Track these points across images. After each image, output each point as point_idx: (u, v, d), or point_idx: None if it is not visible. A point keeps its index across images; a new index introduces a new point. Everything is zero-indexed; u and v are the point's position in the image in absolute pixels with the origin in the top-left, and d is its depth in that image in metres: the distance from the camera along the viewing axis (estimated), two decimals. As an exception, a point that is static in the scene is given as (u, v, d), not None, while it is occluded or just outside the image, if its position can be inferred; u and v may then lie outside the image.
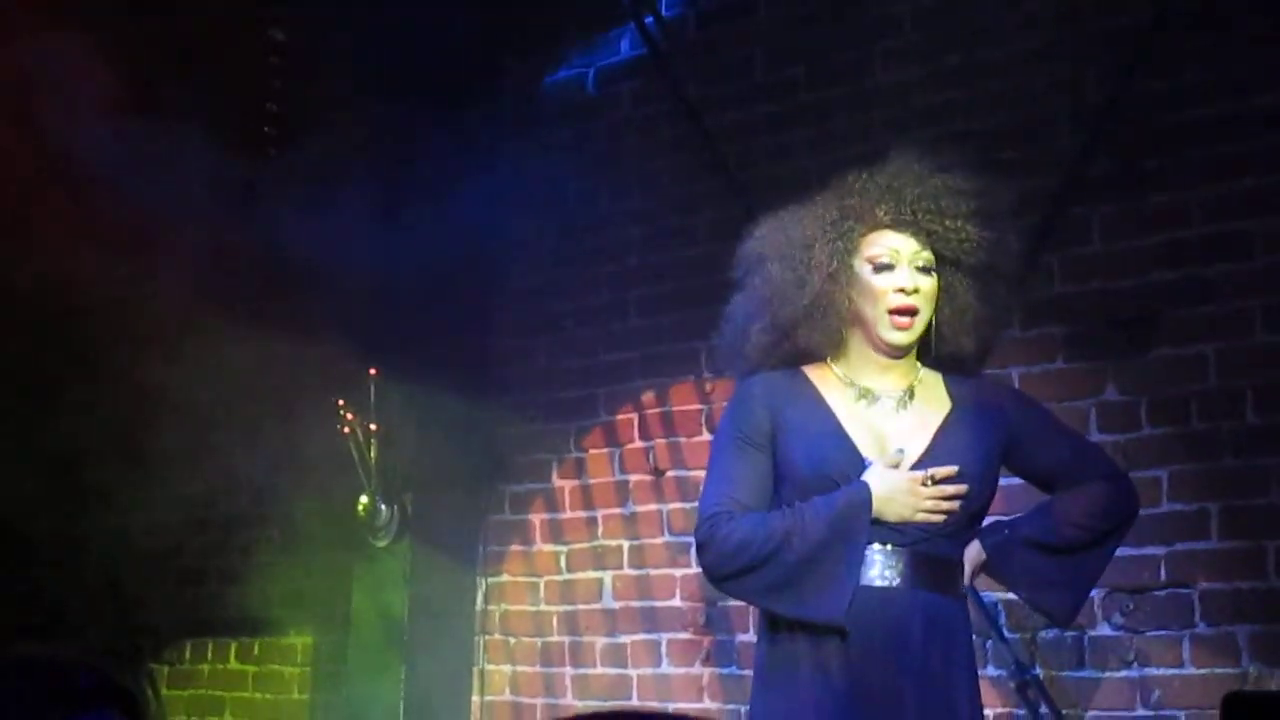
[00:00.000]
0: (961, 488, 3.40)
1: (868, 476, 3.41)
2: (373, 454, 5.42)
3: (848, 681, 3.37)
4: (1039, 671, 4.47)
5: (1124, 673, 4.38)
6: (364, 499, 5.47)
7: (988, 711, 4.48)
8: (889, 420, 3.51)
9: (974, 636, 4.45)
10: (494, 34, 5.82)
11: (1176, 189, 4.42)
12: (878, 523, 3.39)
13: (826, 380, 3.55)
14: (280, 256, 5.26)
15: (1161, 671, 4.31)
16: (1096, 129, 4.55)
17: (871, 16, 5.05)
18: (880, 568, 3.42)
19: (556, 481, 5.66)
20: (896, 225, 3.49)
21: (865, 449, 3.46)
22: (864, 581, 3.40)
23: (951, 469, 3.39)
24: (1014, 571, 3.66)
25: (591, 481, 5.56)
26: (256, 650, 6.21)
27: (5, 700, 1.69)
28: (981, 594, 4.48)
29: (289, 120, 5.68)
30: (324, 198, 5.29)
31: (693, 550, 5.12)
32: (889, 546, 3.42)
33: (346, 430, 5.40)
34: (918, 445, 3.49)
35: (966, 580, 3.60)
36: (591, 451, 5.58)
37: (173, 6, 5.30)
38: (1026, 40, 4.73)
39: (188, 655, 6.41)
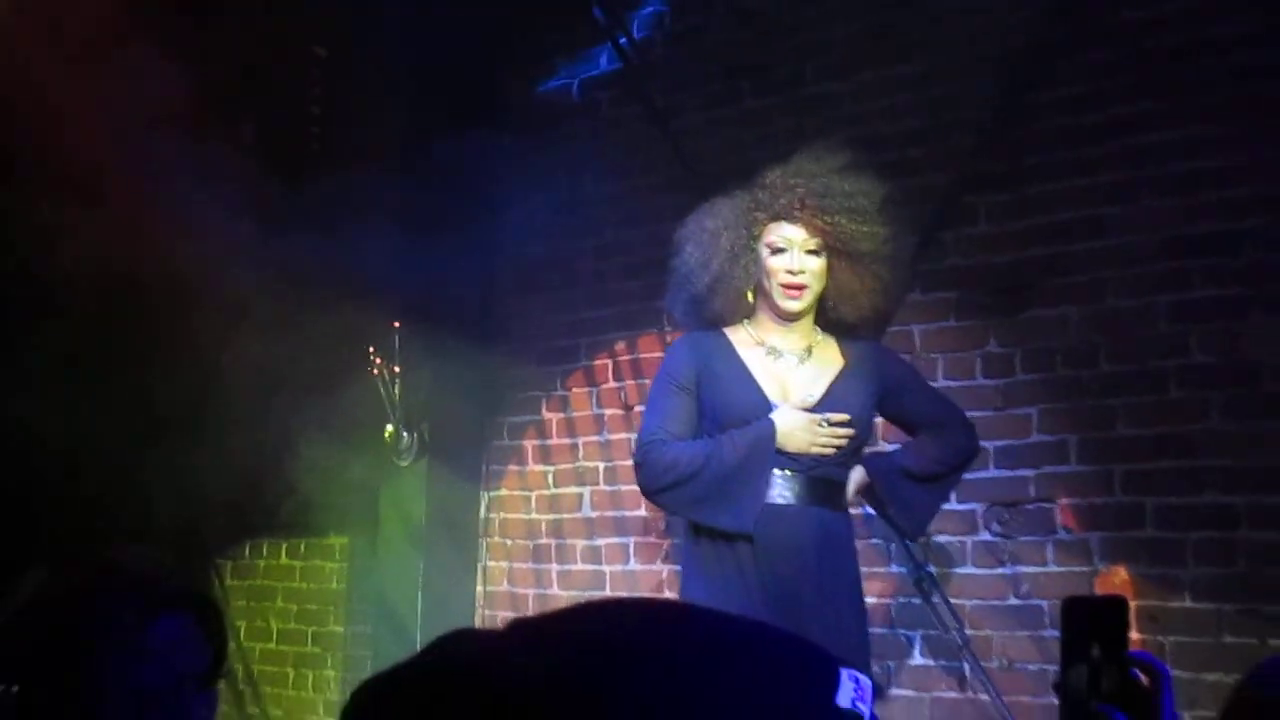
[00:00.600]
0: (849, 431, 3.57)
1: (775, 415, 3.55)
2: (397, 392, 5.44)
3: (757, 578, 3.52)
4: (933, 569, 4.54)
5: (1000, 570, 4.45)
6: (389, 428, 5.48)
7: (893, 600, 4.62)
8: (792, 372, 3.66)
9: (881, 541, 4.61)
10: (497, 51, 5.84)
11: (1047, 182, 4.46)
12: (780, 453, 3.52)
13: (741, 339, 3.69)
14: (324, 236, 5.28)
15: (1029, 569, 4.39)
16: (985, 133, 4.58)
17: (806, 39, 5.07)
18: (780, 489, 3.57)
19: (545, 414, 5.69)
20: (790, 218, 3.61)
21: (771, 394, 3.62)
22: (768, 500, 3.55)
23: (844, 416, 3.56)
24: (890, 493, 3.79)
25: (574, 414, 5.60)
26: (302, 549, 6.25)
27: (99, 601, 1.64)
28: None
29: (327, 121, 5.69)
30: (359, 187, 5.30)
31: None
32: (788, 472, 3.56)
33: (375, 372, 5.41)
34: (815, 392, 3.64)
35: (850, 497, 3.73)
36: (574, 390, 5.62)
37: (228, 25, 5.26)
38: (930, 60, 4.75)
39: (247, 553, 6.43)
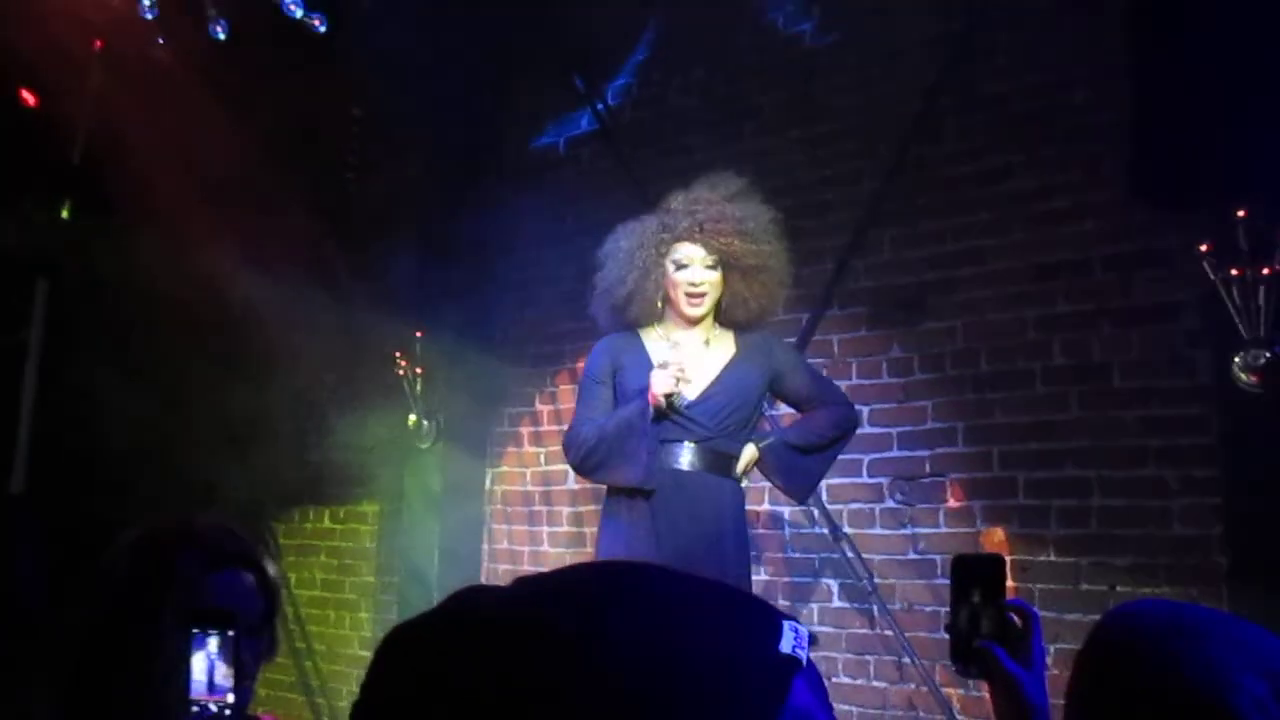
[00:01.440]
0: (680, 381, 3.48)
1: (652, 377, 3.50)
2: (418, 387, 5.40)
3: (656, 532, 3.45)
4: (848, 530, 4.51)
5: (901, 530, 4.43)
6: (412, 416, 5.44)
7: (817, 554, 4.59)
8: (691, 360, 3.57)
9: (809, 506, 4.57)
10: (499, 113, 5.81)
11: (937, 219, 4.45)
12: (673, 420, 3.50)
13: (651, 338, 3.64)
14: (360, 264, 5.27)
15: (925, 530, 4.37)
16: (887, 179, 4.56)
17: (742, 105, 5.07)
18: (684, 457, 3.51)
19: (538, 406, 5.65)
20: (691, 239, 3.56)
21: None
22: (675, 466, 3.50)
23: (680, 360, 3.48)
24: (777, 464, 3.69)
25: (561, 406, 5.53)
26: (341, 514, 6.19)
27: (168, 555, 1.65)
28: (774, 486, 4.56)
29: (362, 169, 5.65)
30: (388, 224, 5.30)
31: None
32: (690, 443, 3.50)
33: (401, 372, 5.38)
34: (710, 375, 3.58)
35: (740, 470, 3.62)
36: (561, 386, 5.56)
37: (284, 89, 5.22)
38: (843, 121, 4.74)
39: (296, 517, 6.38)
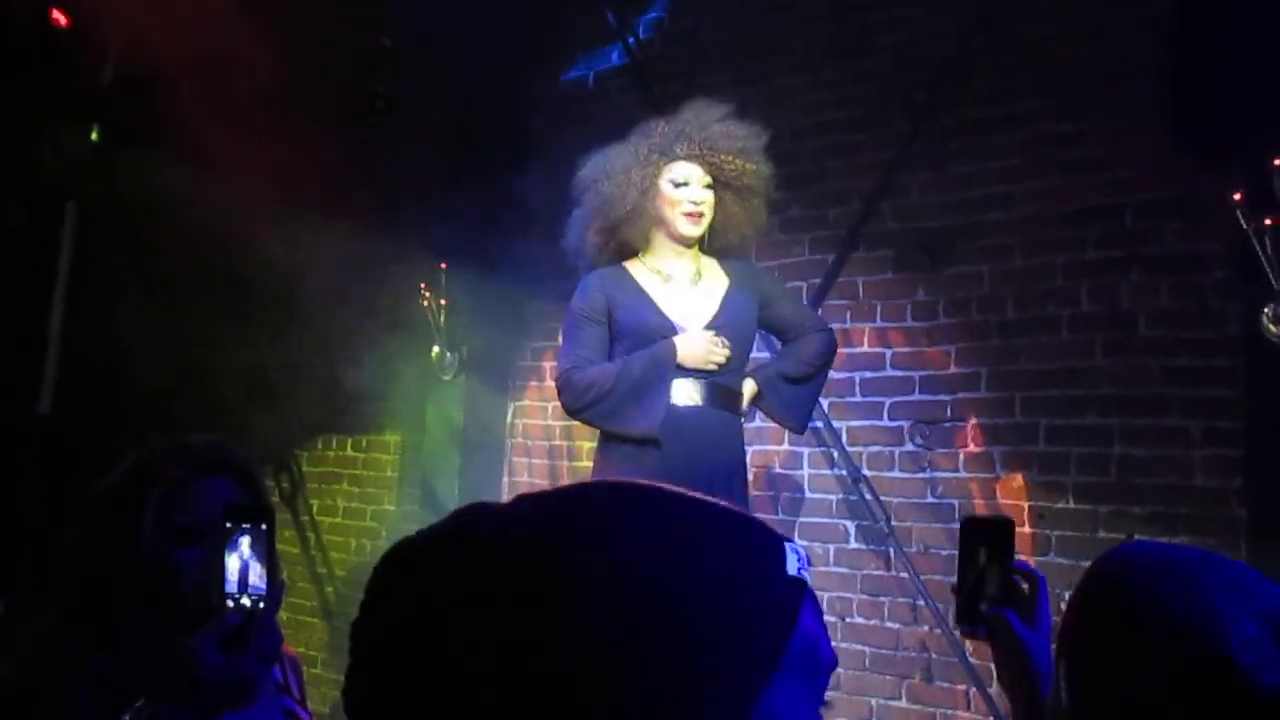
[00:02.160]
0: (728, 352, 3.48)
1: (677, 338, 3.46)
2: (442, 319, 5.39)
3: (666, 471, 3.36)
4: (867, 472, 4.51)
5: (920, 475, 4.42)
6: (435, 349, 5.44)
7: (835, 495, 4.60)
8: (686, 294, 3.56)
9: (827, 447, 4.58)
10: (530, 47, 5.75)
11: (968, 163, 4.40)
12: (681, 367, 3.44)
13: (639, 270, 3.60)
14: (388, 196, 5.27)
15: (944, 474, 4.37)
16: (918, 121, 4.51)
17: (774, 42, 5.00)
18: (687, 393, 3.48)
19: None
20: (689, 158, 3.53)
21: (672, 315, 3.53)
22: (676, 403, 3.47)
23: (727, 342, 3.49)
24: (775, 398, 3.67)
25: (584, 341, 5.56)
26: (364, 444, 6.22)
27: (153, 462, 1.71)
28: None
29: (390, 100, 5.62)
30: (416, 156, 5.28)
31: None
32: (693, 380, 3.47)
33: (426, 304, 5.37)
34: (709, 310, 3.56)
35: (745, 406, 3.61)
36: (584, 322, 5.58)
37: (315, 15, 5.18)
38: (875, 62, 4.69)
39: (320, 445, 6.42)
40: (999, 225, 4.30)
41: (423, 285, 5.38)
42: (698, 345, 3.47)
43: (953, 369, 4.38)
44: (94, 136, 4.84)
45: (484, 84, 5.53)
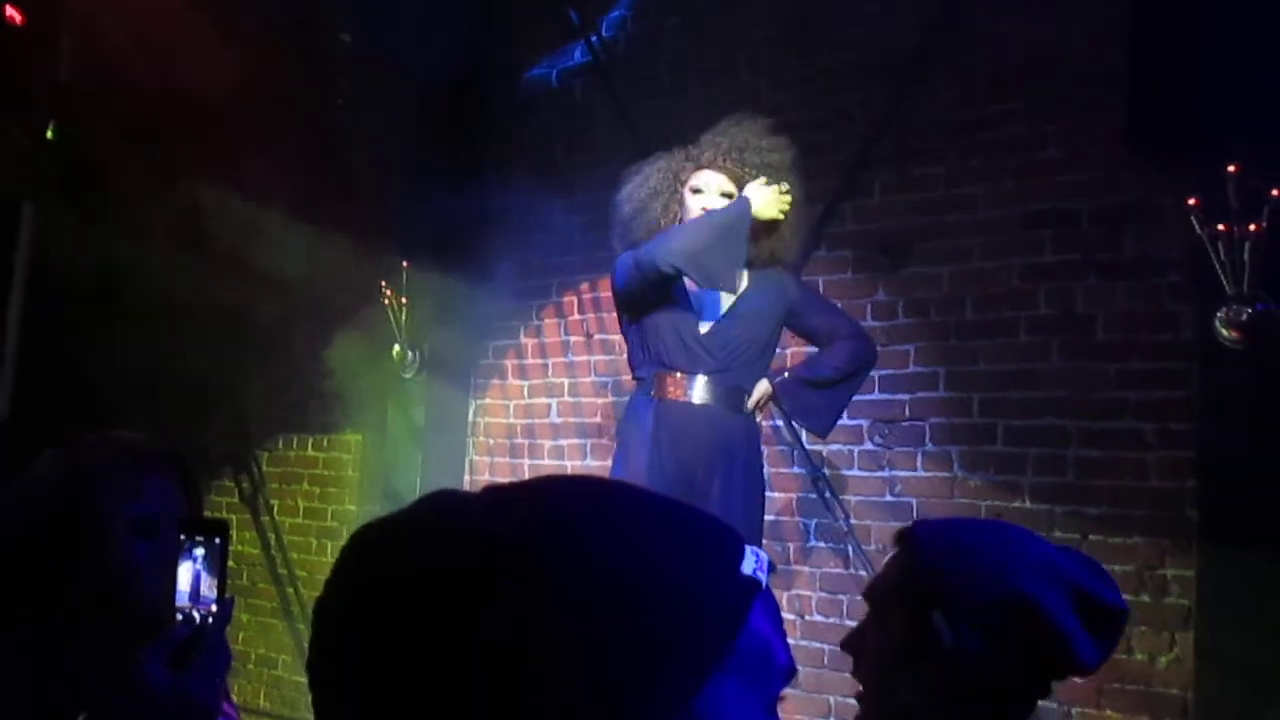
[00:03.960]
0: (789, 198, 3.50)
1: (748, 192, 3.48)
2: (404, 318, 5.38)
3: (672, 459, 3.44)
4: (826, 471, 4.55)
5: (879, 473, 4.46)
6: (397, 347, 5.44)
7: (794, 494, 4.63)
8: (706, 291, 3.56)
9: (787, 447, 4.61)
10: (493, 44, 5.72)
11: (929, 164, 4.44)
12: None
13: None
14: (348, 191, 5.25)
15: (903, 473, 4.41)
16: (880, 122, 4.55)
17: (738, 41, 5.00)
18: (698, 390, 3.49)
19: (523, 339, 5.65)
20: (710, 166, 3.55)
21: (695, 305, 3.57)
22: (686, 399, 3.49)
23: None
24: (792, 401, 3.69)
25: (546, 340, 5.55)
26: (325, 443, 6.19)
27: (99, 457, 1.68)
28: (793, 421, 4.59)
29: (351, 96, 5.60)
30: (376, 154, 5.26)
31: (610, 383, 5.24)
32: (702, 375, 3.49)
33: (387, 302, 5.36)
34: (722, 307, 3.58)
35: (752, 405, 3.59)
36: (546, 320, 5.56)
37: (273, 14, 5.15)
38: (836, 60, 4.71)
39: (280, 445, 6.38)
40: (959, 227, 4.34)
41: (383, 283, 5.37)
42: (770, 195, 3.47)
43: (912, 368, 4.41)
44: (49, 135, 4.79)
45: (445, 81, 5.50)
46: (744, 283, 3.61)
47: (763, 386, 3.62)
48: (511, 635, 0.66)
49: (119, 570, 1.62)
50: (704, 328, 3.55)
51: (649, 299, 3.54)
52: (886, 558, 1.47)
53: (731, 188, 3.55)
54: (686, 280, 3.54)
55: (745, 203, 3.45)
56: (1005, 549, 1.41)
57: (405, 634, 0.68)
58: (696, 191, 3.56)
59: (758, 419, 3.71)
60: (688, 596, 0.70)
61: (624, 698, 0.66)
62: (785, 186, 3.49)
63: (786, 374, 3.71)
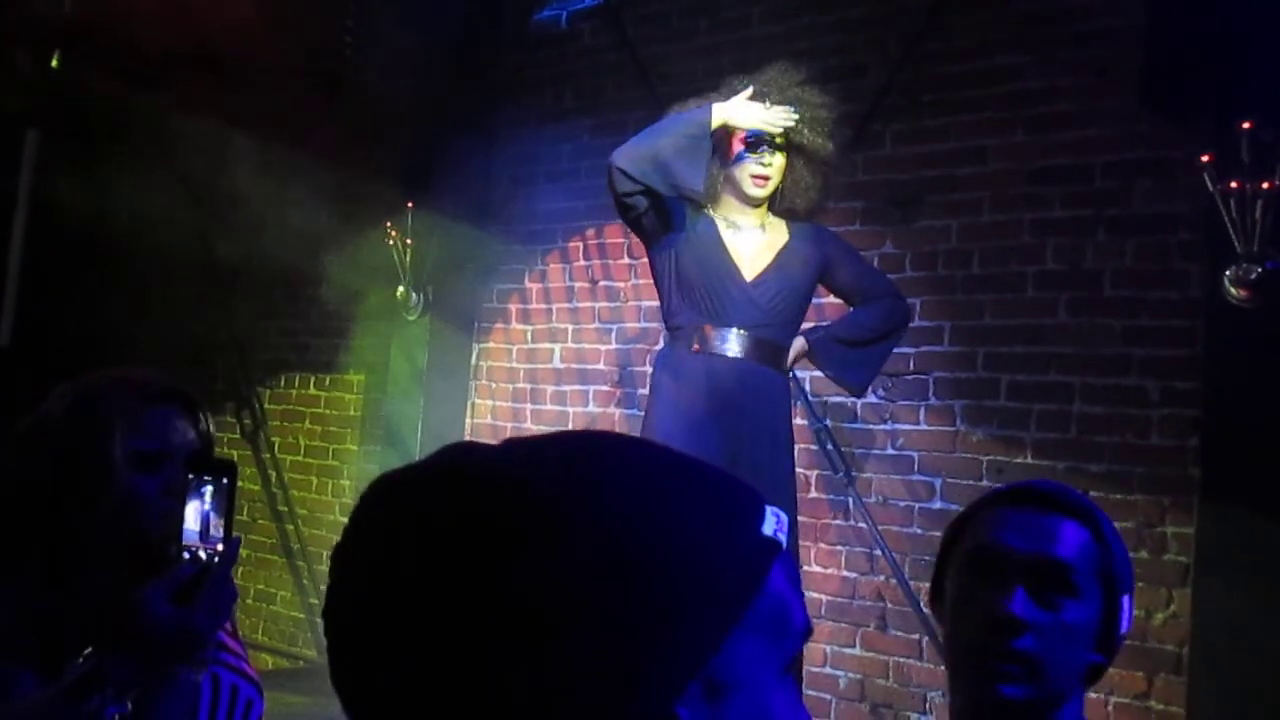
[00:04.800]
0: (791, 115, 3.42)
1: (713, 105, 3.41)
2: (408, 259, 5.38)
3: (712, 415, 3.39)
4: (828, 422, 4.55)
5: (882, 426, 4.46)
6: (401, 288, 5.44)
7: (797, 446, 4.60)
8: (748, 243, 3.51)
9: (791, 399, 4.60)
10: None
11: (941, 116, 4.40)
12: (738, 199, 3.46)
13: (713, 216, 3.55)
14: (355, 133, 5.22)
15: (906, 426, 4.41)
16: (892, 73, 4.51)
17: (752, -13, 4.97)
18: (729, 345, 3.45)
19: (527, 284, 5.63)
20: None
21: (735, 258, 3.49)
22: (719, 353, 3.44)
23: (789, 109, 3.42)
24: (827, 358, 3.66)
25: (550, 285, 5.53)
26: (327, 382, 6.20)
27: (105, 392, 1.68)
28: (796, 374, 4.59)
29: (359, 39, 5.55)
30: (384, 96, 5.22)
31: (613, 329, 5.23)
32: (741, 330, 3.44)
33: (391, 243, 5.35)
34: (765, 259, 3.51)
35: (790, 363, 3.59)
36: (551, 266, 5.54)
37: None
38: (851, 10, 4.67)
39: (282, 383, 6.40)
40: (970, 180, 4.31)
41: (388, 224, 5.36)
42: (742, 104, 3.39)
43: (918, 322, 4.35)
44: (54, 64, 4.75)
45: (455, 22, 5.46)
46: (785, 235, 3.57)
47: (799, 344, 3.58)
48: (537, 589, 0.66)
49: (120, 502, 1.62)
50: (749, 277, 3.49)
51: (645, 223, 3.48)
52: (1063, 527, 1.42)
53: (782, 141, 3.48)
54: (724, 229, 3.49)
55: (707, 109, 3.39)
56: None
57: (431, 583, 0.68)
58: (750, 146, 3.46)
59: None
60: (708, 556, 0.70)
61: (641, 656, 0.66)
62: (785, 110, 3.42)
63: (821, 331, 3.67)
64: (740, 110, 3.41)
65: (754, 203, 3.52)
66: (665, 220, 3.50)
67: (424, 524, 0.70)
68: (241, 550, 1.60)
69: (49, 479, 1.63)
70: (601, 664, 0.66)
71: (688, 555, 0.69)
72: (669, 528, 0.70)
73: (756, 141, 3.46)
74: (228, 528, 1.47)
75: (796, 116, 3.43)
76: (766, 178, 3.48)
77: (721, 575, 0.70)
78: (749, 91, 3.45)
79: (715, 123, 3.38)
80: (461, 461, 0.74)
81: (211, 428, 1.77)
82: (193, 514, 1.48)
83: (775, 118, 3.41)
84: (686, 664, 0.68)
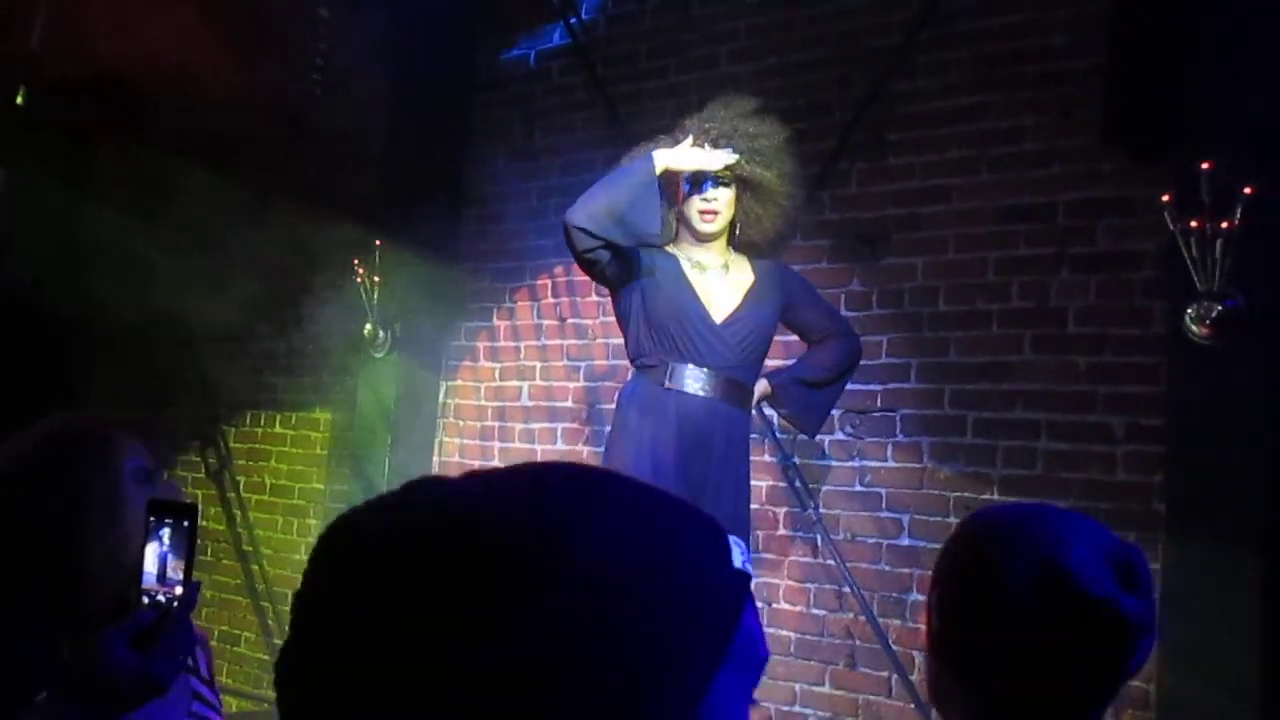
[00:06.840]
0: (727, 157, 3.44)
1: (654, 152, 3.42)
2: (375, 296, 5.35)
3: (669, 451, 3.38)
4: (796, 459, 4.54)
5: (850, 463, 4.46)
6: (368, 325, 5.41)
7: (765, 482, 4.62)
8: (715, 284, 3.51)
9: (758, 436, 4.60)
10: (470, 24, 5.73)
11: (906, 155, 4.44)
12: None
13: (677, 256, 3.55)
14: (323, 168, 5.21)
15: (873, 463, 4.41)
16: (858, 112, 4.54)
17: (719, 29, 5.00)
18: (700, 384, 3.43)
19: (495, 321, 5.61)
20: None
21: (703, 298, 3.49)
22: (689, 391, 3.42)
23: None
24: (789, 400, 3.68)
25: (518, 323, 5.52)
26: (294, 421, 6.16)
27: (83, 421, 1.68)
28: (764, 410, 4.59)
29: (328, 73, 5.55)
30: (352, 130, 5.24)
31: (582, 367, 5.23)
32: (708, 369, 3.43)
33: (359, 280, 5.33)
34: (733, 300, 3.51)
35: (754, 404, 3.61)
36: (519, 303, 5.53)
37: None
38: (818, 50, 4.71)
39: (248, 421, 6.34)
40: (935, 218, 4.35)
41: (356, 261, 5.34)
42: (683, 149, 3.40)
43: (884, 359, 4.42)
44: (19, 100, 4.73)
45: (423, 60, 5.49)
46: (750, 274, 3.58)
47: (763, 386, 3.61)
48: (508, 636, 0.61)
49: (132, 521, 1.60)
50: (719, 319, 3.49)
51: (609, 272, 3.46)
52: None
53: (726, 175, 3.49)
54: (688, 269, 3.49)
55: (649, 158, 3.41)
56: None
57: (403, 636, 0.62)
58: (694, 183, 3.48)
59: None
60: (696, 590, 0.67)
61: (649, 690, 0.63)
62: (724, 152, 3.43)
63: (784, 374, 3.69)
64: (679, 156, 3.43)
65: (708, 238, 3.53)
66: (628, 267, 3.50)
67: (399, 573, 0.65)
68: (205, 591, 1.59)
69: (50, 508, 1.60)
70: (598, 715, 0.62)
71: (678, 591, 0.67)
72: (659, 564, 0.67)
73: (700, 179, 3.47)
74: (188, 571, 1.45)
75: (736, 155, 3.45)
76: (715, 212, 3.49)
77: (708, 615, 0.68)
78: (689, 140, 3.47)
79: (658, 169, 3.40)
80: (435, 501, 0.69)
81: (160, 464, 1.78)
82: (151, 556, 1.46)
83: (713, 160, 3.43)
84: (687, 701, 0.65)
